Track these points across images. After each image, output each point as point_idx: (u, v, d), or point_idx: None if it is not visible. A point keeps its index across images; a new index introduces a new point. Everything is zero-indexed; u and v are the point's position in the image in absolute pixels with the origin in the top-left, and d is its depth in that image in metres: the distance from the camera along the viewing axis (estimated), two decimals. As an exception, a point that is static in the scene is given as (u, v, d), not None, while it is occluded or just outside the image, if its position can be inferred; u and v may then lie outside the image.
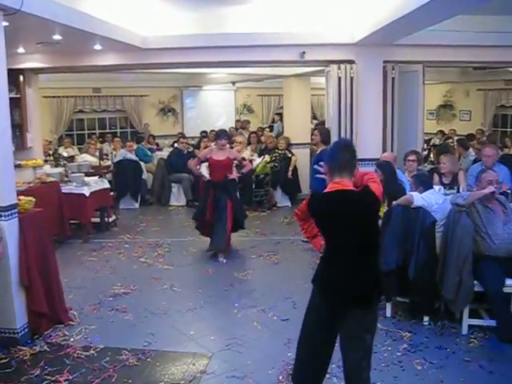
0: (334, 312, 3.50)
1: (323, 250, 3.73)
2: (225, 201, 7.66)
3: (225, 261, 7.57)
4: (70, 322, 5.43)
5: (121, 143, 12.61)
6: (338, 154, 3.47)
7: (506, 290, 4.87)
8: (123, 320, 5.59)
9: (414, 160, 6.82)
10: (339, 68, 8.46)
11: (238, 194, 8.63)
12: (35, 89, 9.74)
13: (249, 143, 12.75)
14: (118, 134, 15.69)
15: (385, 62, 8.58)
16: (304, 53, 8.45)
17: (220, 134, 7.92)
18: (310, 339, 3.73)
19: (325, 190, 3.50)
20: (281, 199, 11.45)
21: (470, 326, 5.13)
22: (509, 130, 15.16)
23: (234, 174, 8.08)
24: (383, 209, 5.98)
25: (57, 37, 6.89)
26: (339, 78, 8.48)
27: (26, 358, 4.68)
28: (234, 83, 16.66)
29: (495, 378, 4.34)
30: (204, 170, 8.89)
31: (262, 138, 13.26)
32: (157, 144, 14.94)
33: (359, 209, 3.37)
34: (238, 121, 16.87)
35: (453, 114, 16.75)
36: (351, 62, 8.51)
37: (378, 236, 3.58)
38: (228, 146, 8.19)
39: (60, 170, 9.39)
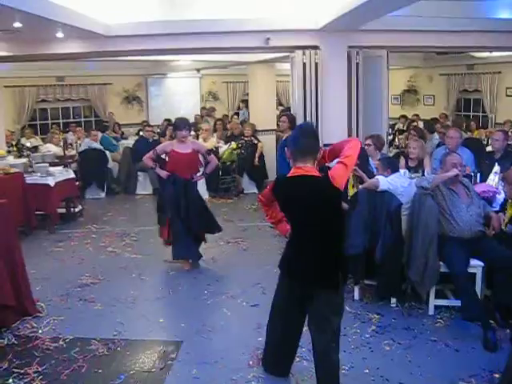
0: (301, 295, 3.55)
1: (289, 235, 3.78)
2: (195, 202, 6.71)
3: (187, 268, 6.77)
4: (38, 314, 5.35)
5: (83, 132, 12.47)
6: (301, 139, 3.49)
7: (470, 270, 4.98)
8: (92, 310, 5.54)
9: (368, 144, 6.80)
10: (304, 54, 8.49)
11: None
12: (-5, 78, 9.56)
13: (215, 130, 12.72)
14: (83, 123, 15.53)
15: (349, 47, 8.65)
16: (268, 39, 8.45)
17: (179, 125, 6.63)
18: (279, 322, 3.78)
19: (288, 175, 3.53)
20: (248, 186, 11.44)
21: (436, 307, 5.24)
22: (471, 113, 15.42)
23: (199, 176, 6.99)
24: (352, 191, 6.06)
25: (17, 24, 6.74)
26: (304, 64, 8.51)
27: (-7, 351, 4.61)
28: (198, 70, 16.54)
29: (460, 355, 4.45)
30: None
31: (228, 125, 13.23)
32: (122, 133, 14.79)
33: (318, 196, 3.39)
34: (203, 108, 16.78)
35: (417, 99, 17.00)
36: (316, 47, 8.54)
37: (340, 221, 3.58)
38: (191, 137, 7.16)
39: (24, 160, 9.23)
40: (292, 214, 3.61)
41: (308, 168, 3.43)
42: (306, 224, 3.50)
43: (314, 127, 3.79)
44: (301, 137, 3.50)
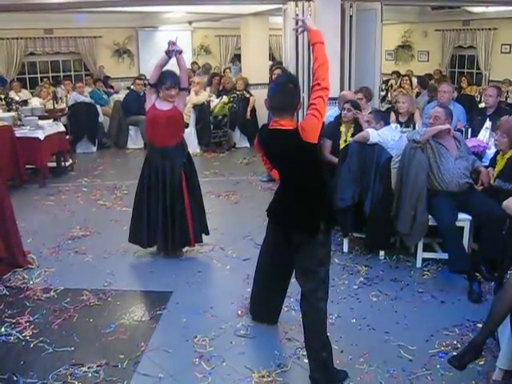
0: (286, 243, 3.58)
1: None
2: (177, 177, 5.40)
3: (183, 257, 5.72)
4: (29, 266, 5.37)
5: (71, 86, 12.31)
6: (279, 93, 3.45)
7: (458, 223, 5.01)
8: (83, 262, 5.58)
9: (360, 98, 6.79)
10: (297, 5, 8.35)
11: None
12: (-18, 30, 9.36)
13: (210, 84, 12.60)
14: (73, 77, 15.30)
15: (342, -1, 8.50)
16: (261, -12, 8.31)
17: (166, 79, 5.29)
18: (266, 271, 3.82)
19: (269, 126, 3.53)
20: (239, 140, 11.41)
21: (423, 259, 5.30)
22: (466, 70, 15.32)
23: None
24: (343, 144, 6.06)
25: (2, -28, 6.59)
26: (297, 16, 8.36)
27: (-16, 301, 4.65)
28: (190, 23, 16.28)
29: (446, 306, 4.53)
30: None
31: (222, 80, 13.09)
32: (111, 87, 14.57)
33: (290, 149, 3.39)
34: (194, 63, 16.52)
35: (411, 55, 16.84)
36: (309, -1, 8.39)
37: (320, 173, 3.53)
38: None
39: (13, 114, 9.12)
40: (274, 163, 3.64)
41: (284, 122, 3.40)
42: (286, 173, 3.53)
43: (293, 79, 3.59)
44: (278, 91, 3.46)
